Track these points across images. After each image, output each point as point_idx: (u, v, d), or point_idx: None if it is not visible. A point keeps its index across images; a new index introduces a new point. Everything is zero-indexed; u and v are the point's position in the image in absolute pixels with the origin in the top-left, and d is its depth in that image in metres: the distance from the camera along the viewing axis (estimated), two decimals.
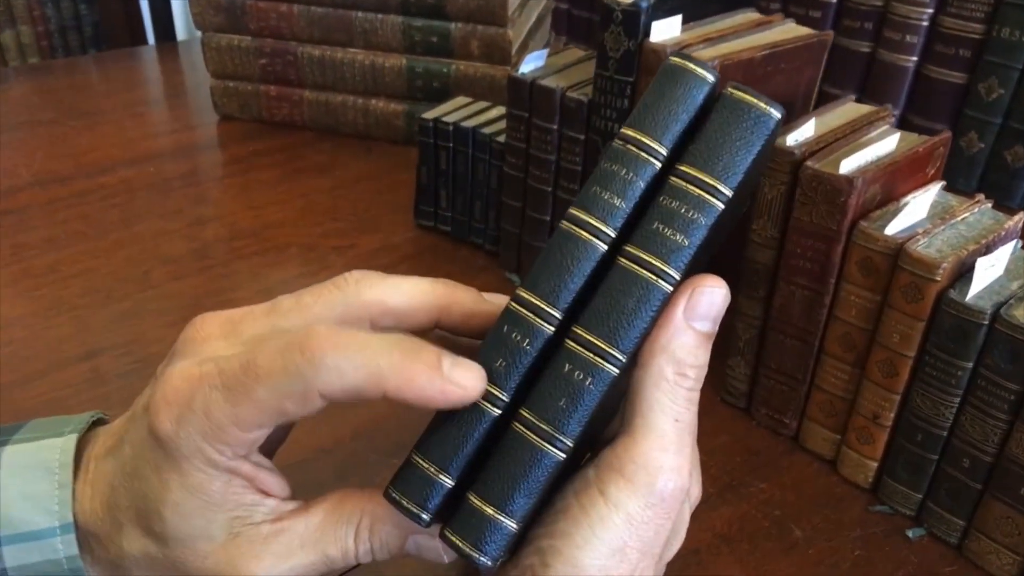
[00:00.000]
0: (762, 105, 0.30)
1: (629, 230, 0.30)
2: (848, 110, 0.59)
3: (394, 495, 0.31)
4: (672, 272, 0.29)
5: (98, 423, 0.35)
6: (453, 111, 0.79)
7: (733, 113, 0.30)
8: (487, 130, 0.75)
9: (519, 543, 0.31)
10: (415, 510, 0.30)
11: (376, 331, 0.32)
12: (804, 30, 0.63)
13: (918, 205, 0.52)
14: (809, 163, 0.51)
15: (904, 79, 0.93)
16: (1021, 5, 0.73)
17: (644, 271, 0.29)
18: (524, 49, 0.97)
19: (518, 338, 0.30)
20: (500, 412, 0.30)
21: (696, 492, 0.36)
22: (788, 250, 0.54)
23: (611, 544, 0.29)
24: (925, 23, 0.89)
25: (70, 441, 0.33)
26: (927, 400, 0.50)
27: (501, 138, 0.72)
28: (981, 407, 0.48)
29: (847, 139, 0.55)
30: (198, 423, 0.29)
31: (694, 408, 0.31)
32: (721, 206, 0.30)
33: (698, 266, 0.32)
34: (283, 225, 0.82)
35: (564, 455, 0.30)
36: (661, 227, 0.30)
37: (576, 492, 0.30)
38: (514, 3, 0.90)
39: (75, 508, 0.31)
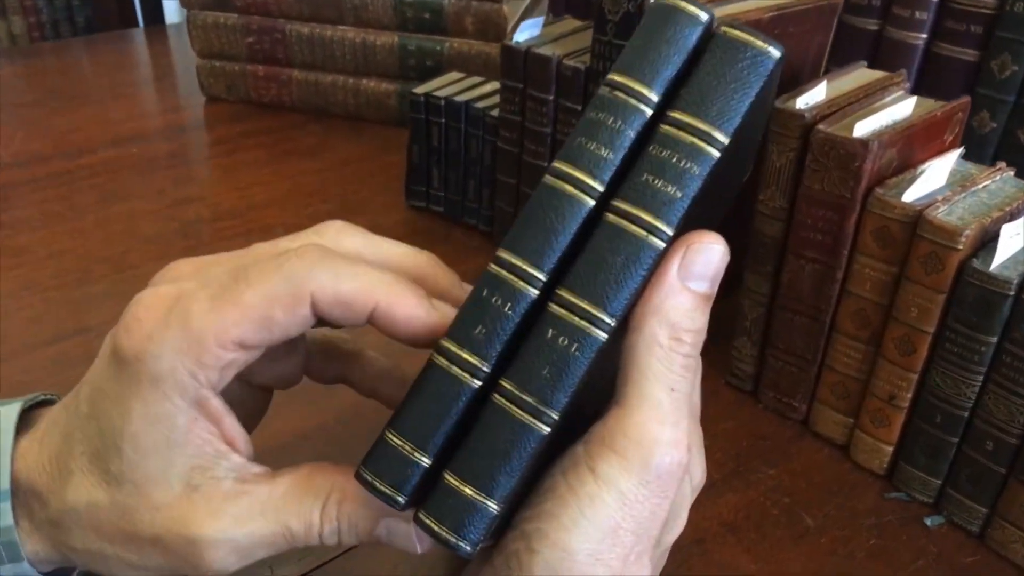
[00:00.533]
0: (759, 43, 0.27)
1: (618, 184, 0.27)
2: (860, 75, 0.56)
3: (366, 476, 0.28)
4: (664, 227, 0.27)
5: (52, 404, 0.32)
6: (445, 86, 0.76)
7: (728, 53, 0.27)
8: (481, 104, 0.71)
9: (502, 527, 0.28)
10: (390, 492, 0.27)
11: None
12: None
13: (937, 172, 0.48)
14: (821, 127, 0.48)
15: (913, 57, 0.90)
16: None
17: (633, 226, 0.27)
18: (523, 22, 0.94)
19: (499, 303, 0.27)
20: (480, 384, 0.27)
21: (699, 473, 0.33)
22: (798, 221, 0.50)
23: (602, 526, 0.27)
24: None
25: (13, 409, 0.30)
26: (947, 379, 0.47)
27: (495, 113, 0.69)
28: (1006, 385, 0.44)
29: (860, 103, 0.51)
30: (172, 338, 0.27)
31: (692, 378, 0.29)
32: (716, 154, 0.27)
33: (696, 224, 0.29)
34: (269, 206, 0.79)
35: (549, 429, 0.27)
36: (651, 179, 0.27)
37: (564, 470, 0.28)
38: None
39: (16, 467, 0.29)
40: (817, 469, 0.52)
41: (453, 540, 0.27)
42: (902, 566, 0.46)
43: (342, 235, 0.31)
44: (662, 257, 0.27)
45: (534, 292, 0.27)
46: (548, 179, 0.27)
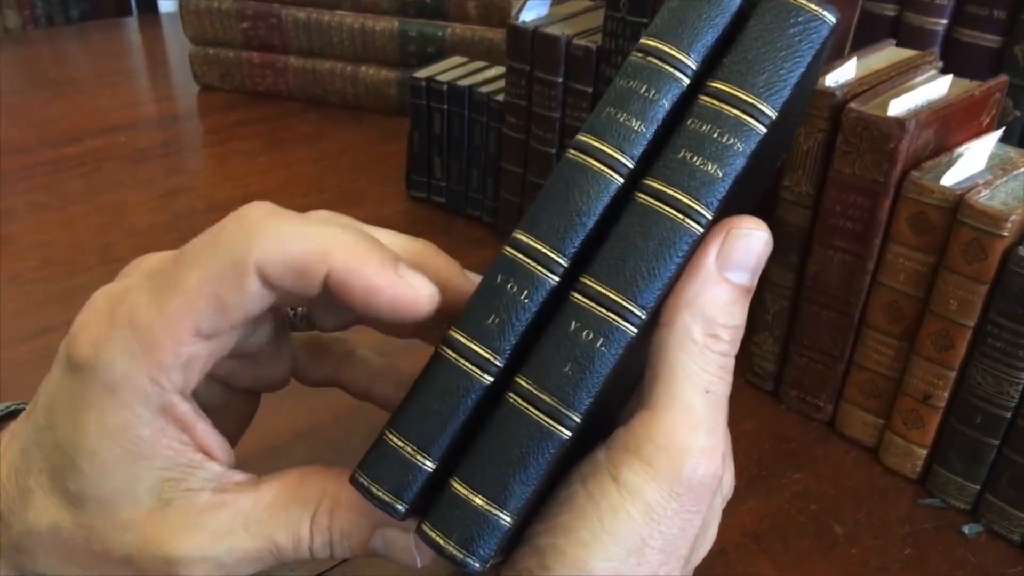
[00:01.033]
0: (813, 6, 0.24)
1: (650, 160, 0.25)
2: (889, 54, 0.53)
3: (363, 481, 0.25)
4: (702, 210, 0.24)
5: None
6: (448, 70, 0.72)
7: (778, 17, 0.24)
8: (485, 89, 0.68)
9: (514, 541, 0.25)
10: (389, 499, 0.25)
11: None
12: None
13: (976, 154, 0.45)
14: (853, 105, 0.45)
15: (933, 44, 0.86)
16: None
17: (668, 208, 0.24)
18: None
19: (515, 290, 0.24)
20: (493, 380, 0.25)
21: (729, 482, 0.30)
22: (826, 208, 0.47)
23: (626, 542, 0.24)
24: None
25: None
26: (989, 376, 0.43)
27: (500, 97, 0.66)
28: None
29: (893, 81, 0.48)
30: (123, 338, 0.24)
31: (729, 378, 0.26)
32: (763, 130, 0.24)
33: (734, 209, 0.26)
34: (264, 197, 0.74)
35: (570, 434, 0.24)
36: (689, 156, 0.24)
37: (583, 478, 0.25)
38: None
39: None
40: (845, 473, 0.49)
41: (460, 556, 0.24)
42: None
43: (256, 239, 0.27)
44: (699, 244, 0.24)
45: (555, 279, 0.24)
46: (572, 154, 0.25)
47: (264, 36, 0.90)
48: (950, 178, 0.44)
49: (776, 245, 0.50)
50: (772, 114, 0.24)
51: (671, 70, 0.25)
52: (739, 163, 0.24)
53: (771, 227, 0.50)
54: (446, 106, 0.70)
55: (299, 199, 0.76)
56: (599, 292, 0.24)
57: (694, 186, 0.24)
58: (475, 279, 0.28)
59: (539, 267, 0.24)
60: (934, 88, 0.47)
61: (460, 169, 0.71)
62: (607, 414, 0.28)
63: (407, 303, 0.24)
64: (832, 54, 0.58)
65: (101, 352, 0.24)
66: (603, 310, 0.24)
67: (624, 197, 0.25)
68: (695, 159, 0.24)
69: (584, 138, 0.25)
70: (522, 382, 0.24)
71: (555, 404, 0.24)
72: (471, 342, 0.25)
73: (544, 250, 0.24)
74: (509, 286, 0.24)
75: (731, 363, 0.26)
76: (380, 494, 0.24)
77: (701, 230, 0.24)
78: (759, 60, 0.24)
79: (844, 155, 0.45)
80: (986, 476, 0.45)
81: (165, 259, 0.26)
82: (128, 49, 1.12)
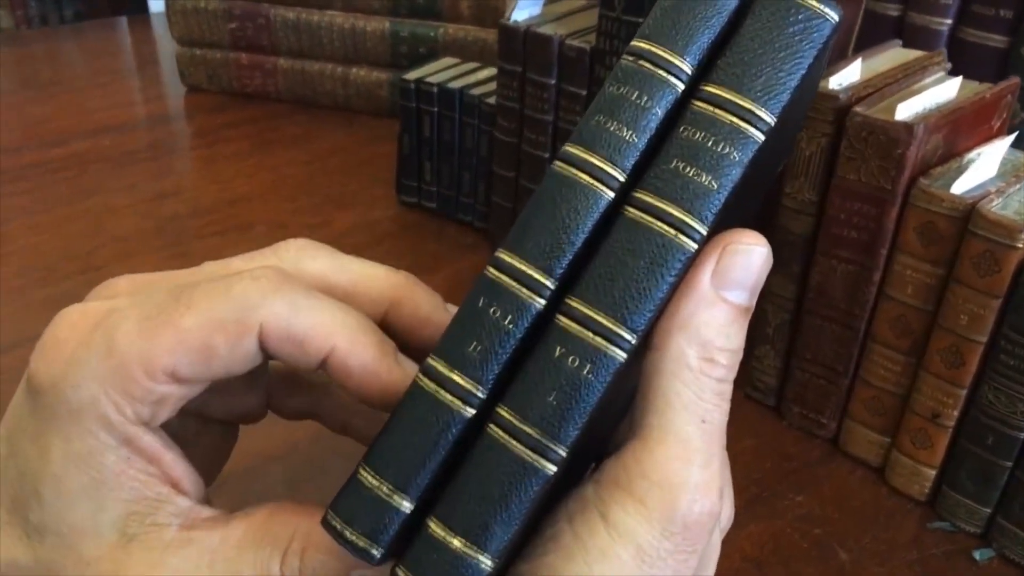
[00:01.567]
0: (813, 3, 0.22)
1: (642, 172, 0.22)
2: (895, 55, 0.50)
3: (334, 523, 0.23)
4: (696, 224, 0.22)
5: None
6: (438, 71, 0.70)
7: (776, 15, 0.22)
8: (476, 91, 0.66)
9: None
10: (363, 544, 0.22)
11: None
12: None
13: (987, 160, 0.43)
14: (858, 109, 0.42)
15: (938, 44, 0.84)
16: None
17: (660, 223, 0.22)
18: None
19: (498, 315, 0.22)
20: (474, 412, 0.22)
21: (728, 512, 0.28)
22: (830, 216, 0.45)
23: None
24: None
25: None
26: (1001, 395, 0.41)
27: (492, 100, 0.64)
28: None
29: (899, 84, 0.46)
30: (95, 364, 0.23)
31: (726, 406, 0.24)
32: (761, 137, 0.22)
33: (731, 221, 0.24)
34: (250, 200, 0.73)
35: (555, 469, 0.22)
36: (682, 166, 0.22)
37: (570, 515, 0.23)
38: None
39: None
40: (850, 494, 0.47)
41: None
42: None
43: (303, 255, 0.26)
44: (693, 261, 0.22)
45: (540, 302, 0.22)
46: (559, 166, 0.22)
47: (252, 37, 0.88)
48: (960, 186, 0.42)
49: (777, 254, 0.48)
50: (771, 120, 0.22)
51: (664, 75, 0.23)
52: (736, 173, 0.22)
53: (772, 236, 0.48)
54: (436, 108, 0.67)
55: (287, 203, 0.74)
56: (586, 315, 0.22)
57: (687, 199, 0.22)
58: (455, 311, 0.26)
59: (524, 290, 0.22)
60: (943, 91, 0.45)
61: (451, 173, 0.69)
62: (597, 439, 0.26)
63: (397, 389, 0.24)
64: (835, 55, 0.55)
65: (70, 373, 0.22)
66: (590, 334, 0.22)
67: (614, 212, 0.23)
68: (688, 169, 0.22)
69: (572, 149, 0.23)
70: (503, 413, 0.22)
71: (539, 437, 0.22)
72: (451, 372, 0.23)
73: (529, 271, 0.22)
74: (492, 310, 0.22)
75: (729, 389, 0.24)
76: (353, 538, 0.23)
77: (695, 246, 0.22)
78: (756, 62, 0.22)
79: (849, 161, 0.43)
80: (998, 499, 0.43)
81: (143, 282, 0.25)
82: (118, 49, 1.10)
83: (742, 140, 0.22)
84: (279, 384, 0.30)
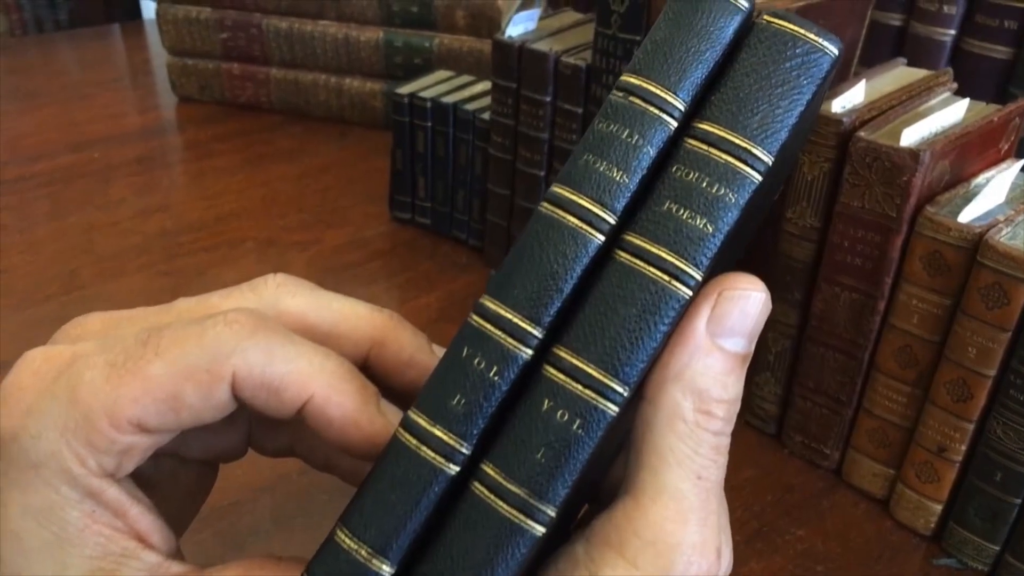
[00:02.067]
0: (812, 37, 0.21)
1: (634, 214, 0.21)
2: (900, 75, 0.49)
3: None
4: (691, 270, 0.21)
5: None
6: (432, 85, 0.69)
7: (772, 49, 0.21)
8: (470, 106, 0.64)
9: None
10: None
11: None
12: None
13: (996, 187, 0.41)
14: (862, 134, 0.41)
15: (941, 55, 0.83)
16: None
17: (652, 269, 0.21)
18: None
19: (483, 366, 0.21)
20: (458, 469, 0.21)
21: (727, 561, 0.26)
22: (832, 243, 0.44)
23: None
24: None
25: None
26: (1010, 431, 0.40)
27: (486, 115, 0.62)
28: None
29: (904, 106, 0.44)
30: (57, 413, 0.21)
31: (723, 460, 0.22)
32: (758, 178, 0.21)
33: (724, 261, 0.22)
34: (239, 217, 0.72)
35: (544, 529, 0.21)
36: (675, 208, 0.21)
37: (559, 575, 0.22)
38: None
39: None
40: (853, 528, 0.45)
41: None
42: None
43: (282, 292, 0.25)
44: (687, 308, 0.21)
45: (527, 352, 0.21)
46: (546, 208, 0.21)
47: (244, 47, 0.87)
48: (968, 214, 0.40)
49: (779, 280, 0.47)
50: (768, 160, 0.21)
51: (656, 111, 0.21)
52: (732, 216, 0.21)
53: (773, 261, 0.47)
54: (430, 123, 0.66)
55: (277, 219, 0.72)
56: (575, 366, 0.21)
57: (681, 243, 0.21)
58: (441, 353, 0.25)
59: (510, 339, 0.21)
60: (949, 114, 0.43)
61: (445, 190, 0.68)
62: (588, 485, 0.24)
63: (382, 440, 0.22)
64: (838, 75, 0.54)
65: (30, 423, 0.21)
66: (580, 387, 0.21)
67: (605, 256, 0.21)
68: (682, 212, 0.21)
69: (559, 190, 0.21)
70: (489, 470, 0.21)
71: (526, 497, 0.21)
72: (434, 427, 0.21)
73: (516, 320, 0.21)
74: (476, 361, 0.21)
75: (726, 443, 0.22)
76: None
77: (690, 293, 0.21)
78: (752, 98, 0.21)
79: (852, 187, 0.42)
80: (1007, 536, 0.42)
81: (112, 322, 0.24)
82: (110, 58, 1.08)
83: (738, 181, 0.21)
84: (260, 422, 0.29)
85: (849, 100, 0.44)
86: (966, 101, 0.45)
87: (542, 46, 0.56)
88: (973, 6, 0.80)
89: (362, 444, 0.23)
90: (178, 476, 0.27)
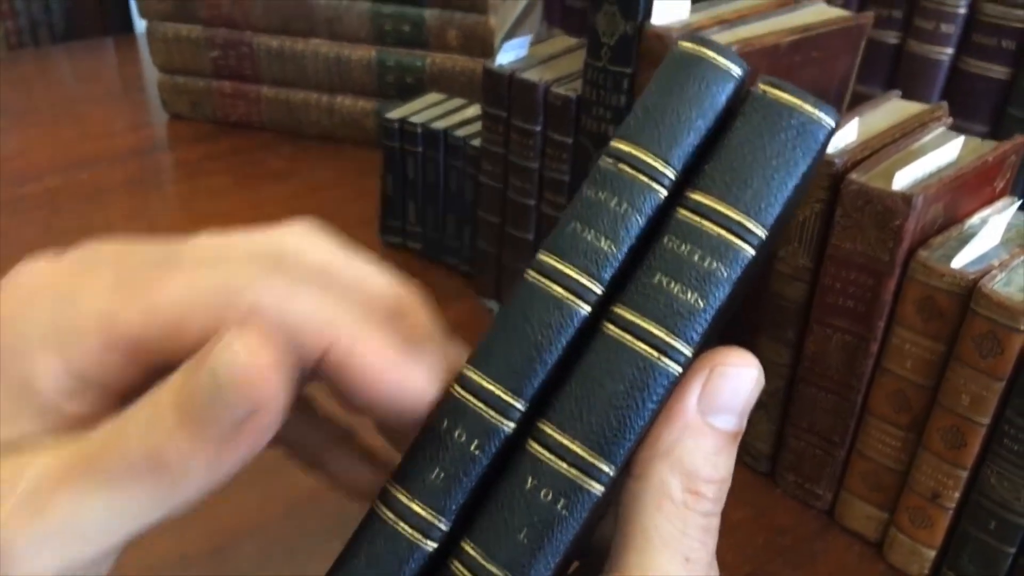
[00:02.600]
0: (808, 108, 0.21)
1: (622, 283, 0.21)
2: (894, 109, 0.48)
3: None
4: (681, 346, 0.20)
5: None
6: (423, 110, 0.68)
7: (767, 119, 0.21)
8: (461, 132, 0.64)
9: None
10: None
11: None
12: (837, 11, 0.52)
13: (991, 229, 0.41)
14: (854, 176, 0.40)
15: (938, 74, 0.82)
16: None
17: (641, 344, 0.20)
18: (510, 39, 0.86)
19: (464, 439, 0.21)
20: (437, 546, 0.20)
21: None
22: (824, 285, 0.43)
23: None
24: (962, 10, 0.78)
25: None
26: (1004, 481, 0.39)
27: (477, 142, 0.62)
28: None
29: (897, 145, 0.44)
30: (48, 314, 0.20)
31: (712, 542, 0.22)
32: (751, 252, 0.20)
33: (713, 336, 0.22)
34: None
35: None
36: (666, 281, 0.20)
37: None
38: None
39: None
40: (847, 572, 0.45)
41: None
42: None
43: (307, 241, 0.23)
44: (676, 385, 0.20)
45: (510, 426, 0.20)
46: (531, 276, 0.21)
47: (235, 65, 0.86)
48: (962, 258, 0.39)
49: (771, 320, 0.46)
50: (762, 233, 0.20)
51: (646, 180, 0.21)
52: (724, 291, 0.20)
53: (765, 300, 0.46)
54: (420, 149, 0.65)
55: None
56: (560, 443, 0.20)
57: (671, 318, 0.20)
58: (460, 349, 0.23)
59: (492, 412, 0.20)
60: (943, 153, 0.43)
61: (436, 215, 0.67)
62: (575, 551, 0.24)
63: (417, 402, 0.20)
64: (832, 102, 0.53)
65: (16, 313, 0.20)
66: (565, 465, 0.20)
67: (591, 328, 0.21)
68: (673, 286, 0.20)
69: (545, 258, 0.21)
70: (469, 549, 0.20)
71: None
72: (412, 501, 0.21)
73: (498, 392, 0.20)
74: (457, 434, 0.21)
75: (716, 524, 0.22)
76: None
77: (679, 370, 0.20)
78: (746, 170, 0.20)
79: (844, 230, 0.41)
80: None
81: (127, 250, 0.22)
82: (102, 73, 1.07)
83: (731, 255, 0.20)
84: None
85: (842, 139, 0.43)
86: (960, 140, 0.44)
87: (532, 75, 0.55)
88: (971, 26, 0.79)
89: (392, 404, 0.20)
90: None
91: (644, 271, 0.20)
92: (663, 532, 0.21)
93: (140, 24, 1.31)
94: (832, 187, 0.41)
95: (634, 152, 0.21)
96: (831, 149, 0.42)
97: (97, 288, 0.20)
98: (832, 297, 0.43)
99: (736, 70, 0.21)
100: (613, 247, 0.21)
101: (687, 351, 0.20)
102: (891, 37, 0.84)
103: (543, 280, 0.21)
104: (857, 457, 0.45)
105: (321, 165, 0.84)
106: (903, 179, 0.40)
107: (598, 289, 0.20)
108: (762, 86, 0.21)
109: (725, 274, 0.20)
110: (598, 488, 0.20)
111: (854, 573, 0.45)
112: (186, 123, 0.90)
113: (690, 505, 0.21)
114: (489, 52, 0.81)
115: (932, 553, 0.43)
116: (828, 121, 0.21)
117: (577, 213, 0.21)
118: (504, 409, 0.20)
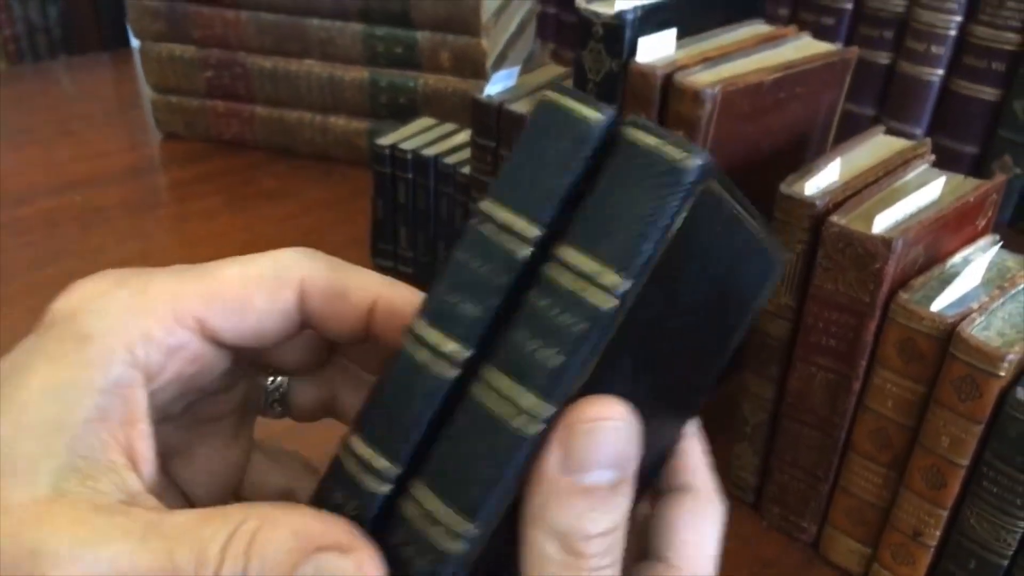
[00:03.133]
0: (671, 150, 0.19)
1: (490, 344, 0.21)
2: (878, 145, 0.49)
3: None
4: (538, 405, 0.19)
5: None
6: (414, 135, 0.68)
7: (631, 165, 0.20)
8: (451, 159, 0.64)
9: None
10: None
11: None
12: (823, 46, 0.52)
13: (972, 269, 0.41)
14: (834, 218, 0.41)
15: (929, 95, 0.83)
16: None
17: (501, 403, 0.20)
18: (502, 60, 0.87)
19: (340, 500, 0.21)
20: None
21: None
22: (807, 324, 0.43)
23: None
24: (953, 32, 0.79)
25: None
26: (984, 522, 0.39)
27: (466, 169, 0.62)
28: None
29: (879, 184, 0.44)
30: (125, 296, 0.22)
31: None
32: (612, 304, 0.19)
33: (652, 403, 0.22)
34: None
35: None
36: (529, 339, 0.20)
37: None
38: (489, 9, 0.80)
39: None
40: None
41: None
42: None
43: (301, 258, 0.25)
44: (541, 443, 0.20)
45: (385, 489, 0.21)
46: (406, 342, 0.21)
47: (229, 85, 0.86)
48: (943, 300, 0.40)
49: (755, 356, 0.47)
50: (625, 285, 0.19)
51: (510, 239, 0.20)
52: (587, 347, 0.19)
53: (750, 335, 0.46)
54: (411, 175, 0.66)
55: None
56: (429, 505, 0.20)
57: (530, 375, 0.20)
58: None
59: (370, 477, 0.21)
60: (925, 193, 0.43)
61: (427, 241, 0.67)
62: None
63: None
64: (818, 135, 0.54)
65: (94, 304, 0.22)
66: (433, 528, 0.20)
67: (463, 389, 0.21)
68: (533, 343, 0.20)
69: (416, 325, 0.21)
70: None
71: None
72: None
73: (374, 458, 0.21)
74: (337, 496, 0.21)
75: (616, 571, 0.21)
76: None
77: (540, 427, 0.20)
78: (609, 219, 0.20)
79: (825, 271, 0.41)
80: None
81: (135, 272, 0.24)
82: (98, 91, 1.07)
83: (589, 309, 0.19)
84: (259, 455, 0.28)
85: (824, 179, 0.43)
86: (942, 179, 0.44)
87: (520, 107, 0.56)
88: (961, 48, 0.79)
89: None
90: (201, 443, 0.26)
91: (510, 329, 0.20)
92: None
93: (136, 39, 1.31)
94: (814, 228, 0.42)
95: (500, 212, 0.20)
96: (813, 190, 0.43)
97: (161, 276, 0.22)
98: (815, 336, 0.43)
99: (598, 118, 0.20)
100: (478, 310, 0.20)
101: (546, 410, 0.19)
102: (882, 57, 0.85)
103: (414, 347, 0.21)
104: (840, 492, 0.46)
105: (314, 184, 0.84)
106: (884, 221, 0.40)
107: (465, 352, 0.20)
108: (625, 130, 0.20)
109: (585, 328, 0.19)
110: (461, 549, 0.20)
111: None
112: (180, 142, 0.91)
113: (574, 566, 0.20)
114: (481, 73, 0.81)
115: None
116: (694, 163, 0.19)
117: (446, 277, 0.21)
118: (381, 473, 0.21)
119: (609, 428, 0.20)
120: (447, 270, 0.21)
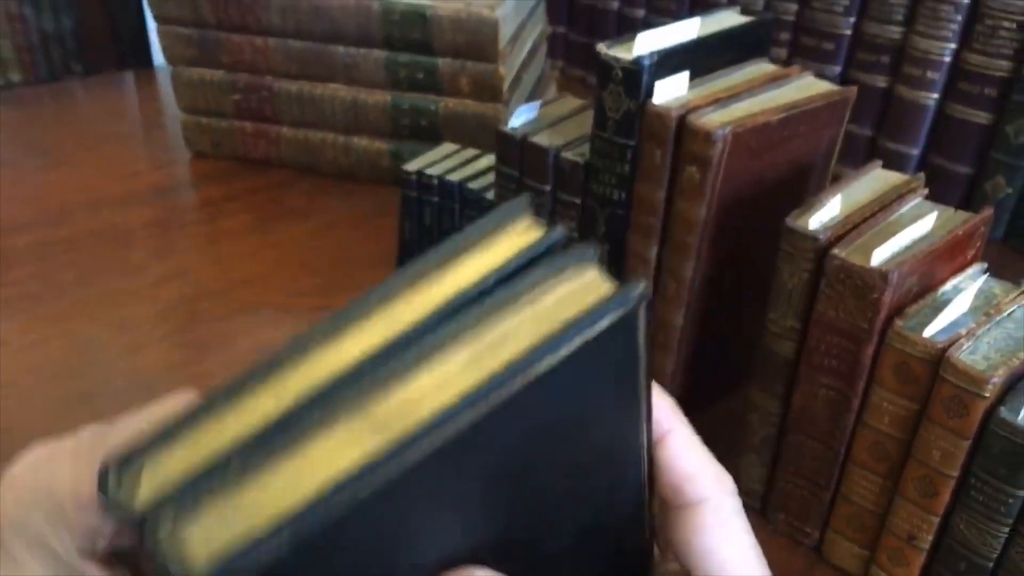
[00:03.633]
0: None
1: None
2: (875, 180, 0.53)
3: None
4: None
5: None
6: (439, 161, 0.72)
7: None
8: (475, 184, 0.68)
9: None
10: None
11: None
12: (825, 85, 0.56)
13: (963, 298, 0.45)
14: (836, 251, 0.45)
15: (925, 118, 0.87)
16: None
17: None
18: (518, 83, 0.91)
19: None
20: None
21: None
22: (811, 346, 0.47)
23: None
24: (947, 59, 0.83)
25: None
26: (972, 528, 0.44)
27: (491, 194, 0.66)
28: None
29: (876, 218, 0.48)
30: (41, 500, 0.24)
31: None
32: None
33: None
34: (253, 282, 0.75)
35: None
36: None
37: None
38: (505, 37, 0.84)
39: None
40: None
41: None
42: None
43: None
44: None
45: None
46: None
47: (256, 108, 0.90)
48: (934, 326, 0.44)
49: (762, 373, 0.51)
50: None
51: None
52: None
53: (758, 354, 0.50)
54: (437, 199, 0.70)
55: (290, 283, 0.76)
56: None
57: None
58: None
59: None
60: (919, 226, 0.47)
61: None
62: None
63: None
64: (819, 168, 0.58)
65: (21, 512, 0.24)
66: None
67: None
68: None
69: None
70: None
71: None
72: None
73: None
74: None
75: None
76: None
77: None
78: None
79: (827, 299, 0.45)
80: None
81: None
82: (124, 110, 1.12)
83: None
84: None
85: (826, 214, 0.47)
86: (935, 213, 0.48)
87: (542, 139, 0.60)
88: (955, 73, 0.83)
89: None
90: None
91: None
92: None
93: (158, 56, 1.34)
94: (817, 260, 0.46)
95: None
96: (816, 224, 0.47)
97: (62, 467, 0.24)
98: (818, 357, 0.47)
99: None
100: None
101: None
102: (880, 81, 0.89)
103: None
104: (841, 500, 0.50)
105: (338, 203, 0.88)
106: (881, 255, 0.44)
107: None
108: None
109: None
110: None
111: None
112: (208, 161, 0.95)
113: None
114: (499, 98, 0.85)
115: None
116: None
117: None
118: None
119: None
120: None
